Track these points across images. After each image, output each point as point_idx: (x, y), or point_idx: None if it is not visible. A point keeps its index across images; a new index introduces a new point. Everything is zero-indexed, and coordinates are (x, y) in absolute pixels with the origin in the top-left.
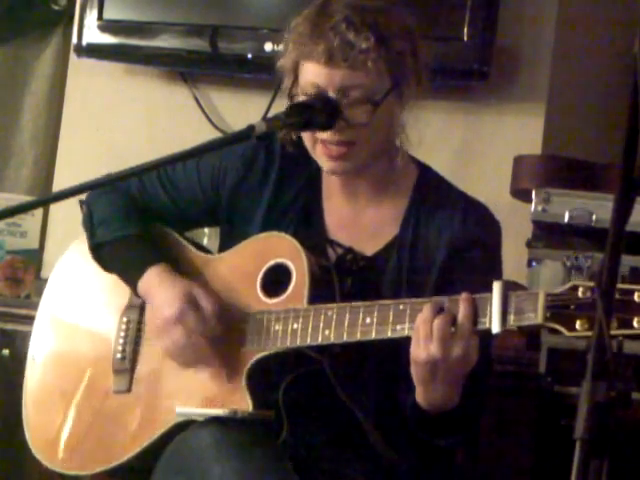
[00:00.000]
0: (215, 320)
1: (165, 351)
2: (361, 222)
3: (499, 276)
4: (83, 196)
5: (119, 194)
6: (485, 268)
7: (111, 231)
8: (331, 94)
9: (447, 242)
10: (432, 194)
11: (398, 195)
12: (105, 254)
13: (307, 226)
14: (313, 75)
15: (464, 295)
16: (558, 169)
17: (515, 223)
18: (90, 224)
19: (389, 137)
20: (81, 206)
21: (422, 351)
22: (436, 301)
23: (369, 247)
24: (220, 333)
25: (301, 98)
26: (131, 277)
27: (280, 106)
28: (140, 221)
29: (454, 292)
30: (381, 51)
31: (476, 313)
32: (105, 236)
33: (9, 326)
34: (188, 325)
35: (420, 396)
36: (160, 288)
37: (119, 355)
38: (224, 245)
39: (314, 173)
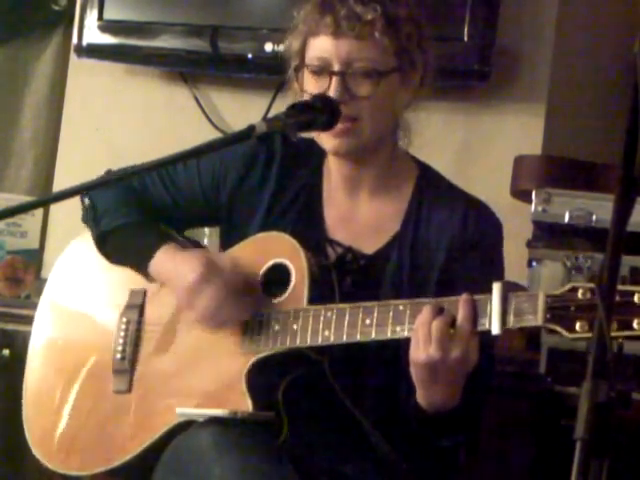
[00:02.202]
0: (237, 271)
1: (201, 316)
2: (361, 219)
3: (500, 274)
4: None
5: (121, 187)
6: (486, 267)
7: (116, 219)
8: (336, 67)
9: (448, 241)
10: (433, 193)
11: (399, 193)
12: (111, 243)
13: (307, 225)
14: (320, 49)
15: (464, 296)
16: (558, 169)
17: (515, 223)
18: (94, 215)
19: (391, 122)
20: (82, 200)
21: (421, 353)
22: (435, 302)
23: (369, 245)
24: (244, 283)
25: (308, 75)
26: (142, 260)
27: (280, 106)
28: (143, 210)
29: (456, 291)
30: (387, 28)
31: (476, 314)
32: (110, 224)
33: (9, 326)
34: (216, 282)
35: (420, 397)
36: (175, 262)
37: (119, 355)
38: (224, 245)
39: (315, 173)
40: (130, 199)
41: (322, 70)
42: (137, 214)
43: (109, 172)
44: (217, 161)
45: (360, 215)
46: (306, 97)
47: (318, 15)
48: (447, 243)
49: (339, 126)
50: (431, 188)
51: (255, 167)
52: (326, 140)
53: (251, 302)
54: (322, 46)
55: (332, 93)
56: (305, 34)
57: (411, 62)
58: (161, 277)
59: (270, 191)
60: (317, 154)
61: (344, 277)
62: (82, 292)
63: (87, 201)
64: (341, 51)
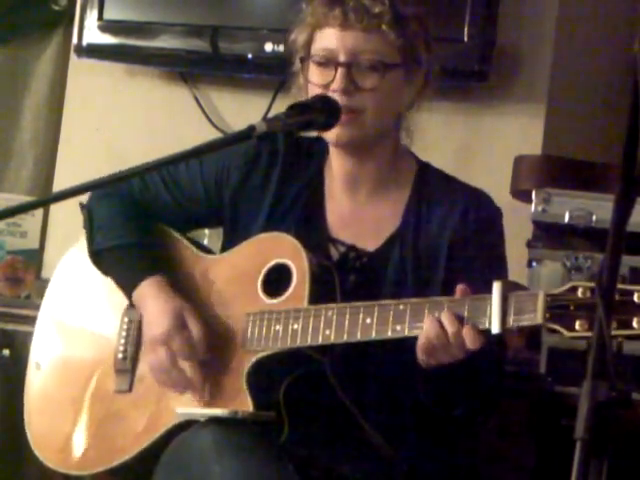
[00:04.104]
0: (201, 346)
1: (149, 370)
2: (362, 218)
3: (503, 264)
4: (83, 197)
5: (120, 198)
6: (489, 256)
7: (109, 239)
8: (342, 58)
9: (449, 234)
10: (432, 187)
11: (398, 190)
12: (103, 261)
13: (309, 225)
14: (326, 40)
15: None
16: (558, 169)
17: (515, 223)
18: (90, 230)
19: (393, 118)
20: (81, 209)
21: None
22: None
23: (371, 243)
24: (206, 359)
25: (313, 67)
26: (127, 286)
27: (280, 106)
28: (140, 227)
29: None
30: (394, 23)
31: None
32: (103, 243)
33: (9, 326)
34: (173, 348)
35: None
36: (153, 302)
37: (120, 355)
38: (227, 245)
39: (317, 172)
40: (128, 213)
41: (328, 61)
42: (132, 233)
43: (110, 176)
44: (219, 161)
45: (361, 213)
46: (311, 89)
47: (327, 8)
48: (449, 237)
49: (342, 116)
50: (430, 184)
51: (258, 167)
52: (329, 131)
53: (201, 370)
54: (329, 38)
55: (337, 84)
56: (312, 27)
57: (416, 59)
58: (139, 308)
59: (272, 191)
60: (319, 153)
61: (347, 276)
62: (84, 294)
63: (85, 213)
64: (347, 43)
